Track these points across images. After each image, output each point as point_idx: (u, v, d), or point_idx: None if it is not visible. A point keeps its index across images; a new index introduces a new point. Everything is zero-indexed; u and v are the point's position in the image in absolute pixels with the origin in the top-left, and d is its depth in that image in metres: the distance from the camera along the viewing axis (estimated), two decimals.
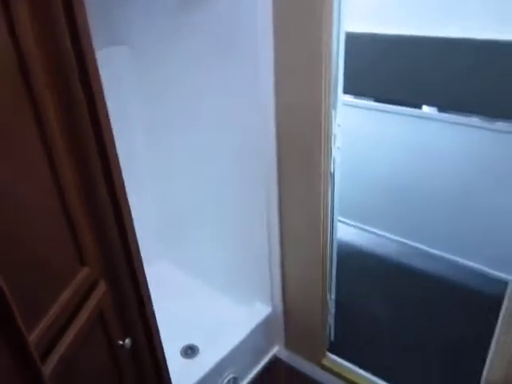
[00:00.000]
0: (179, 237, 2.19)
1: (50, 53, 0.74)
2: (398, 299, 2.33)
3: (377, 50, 2.20)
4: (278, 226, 1.71)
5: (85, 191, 0.88)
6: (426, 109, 2.35)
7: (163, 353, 1.24)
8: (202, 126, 1.75)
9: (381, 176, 2.53)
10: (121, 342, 1.03)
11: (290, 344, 2.03)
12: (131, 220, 1.00)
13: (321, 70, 1.31)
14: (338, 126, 1.46)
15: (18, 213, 0.70)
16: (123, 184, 0.94)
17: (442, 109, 2.28)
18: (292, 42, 1.33)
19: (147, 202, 2.11)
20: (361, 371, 1.89)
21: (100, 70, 0.83)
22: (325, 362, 1.94)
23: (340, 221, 1.99)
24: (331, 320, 1.94)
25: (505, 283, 2.12)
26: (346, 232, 2.70)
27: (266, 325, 1.93)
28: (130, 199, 0.98)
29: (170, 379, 1.31)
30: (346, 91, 1.50)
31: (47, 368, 0.74)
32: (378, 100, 2.49)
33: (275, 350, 2.07)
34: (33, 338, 0.70)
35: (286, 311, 1.94)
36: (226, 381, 1.78)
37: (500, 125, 2.04)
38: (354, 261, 2.57)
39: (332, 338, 1.99)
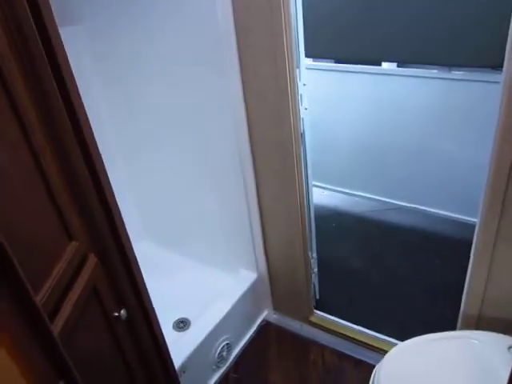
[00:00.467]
0: (158, 215, 2.20)
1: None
2: (376, 253, 2.42)
3: (332, 8, 2.20)
4: (255, 192, 1.74)
5: (63, 167, 0.87)
6: (385, 65, 2.40)
7: (158, 323, 1.27)
8: (170, 96, 1.74)
9: (347, 136, 2.58)
10: (116, 314, 1.04)
11: (278, 306, 2.09)
12: (112, 193, 1.00)
13: (281, 29, 1.32)
14: (304, 85, 1.49)
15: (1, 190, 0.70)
16: (100, 156, 0.95)
17: (400, 64, 2.34)
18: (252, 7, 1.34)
19: (122, 182, 2.09)
20: (348, 323, 1.97)
21: None
22: (313, 319, 2.01)
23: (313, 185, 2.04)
24: (315, 279, 2.00)
25: (474, 226, 2.23)
26: (319, 195, 2.77)
27: (253, 291, 1.98)
28: None
29: (167, 349, 1.34)
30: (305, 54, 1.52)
31: None
32: (338, 61, 2.53)
33: (264, 313, 2.12)
34: None
35: (271, 275, 1.99)
36: (220, 348, 1.83)
37: (457, 74, 2.11)
38: (330, 222, 2.64)
39: (317, 295, 2.06)
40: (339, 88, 2.49)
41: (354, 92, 2.46)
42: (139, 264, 1.15)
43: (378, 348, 1.84)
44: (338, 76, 2.48)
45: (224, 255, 2.04)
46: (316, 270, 1.98)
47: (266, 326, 2.12)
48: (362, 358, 1.89)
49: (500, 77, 1.14)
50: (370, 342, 1.88)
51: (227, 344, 1.87)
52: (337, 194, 2.76)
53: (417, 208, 2.51)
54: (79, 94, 0.86)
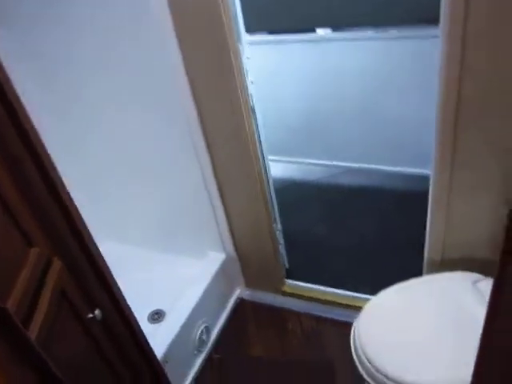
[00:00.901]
0: (116, 212, 2.13)
1: None
2: (337, 216, 2.48)
3: None
4: (212, 173, 1.72)
5: (14, 176, 0.83)
6: (320, 32, 2.40)
7: (135, 318, 1.25)
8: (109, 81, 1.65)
9: (292, 107, 2.60)
10: (91, 315, 1.02)
11: (250, 282, 2.11)
12: (68, 193, 0.96)
13: (219, 7, 1.30)
14: (248, 58, 1.47)
15: None
16: (49, 157, 0.90)
17: (335, 28, 2.35)
18: None
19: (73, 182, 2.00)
20: (320, 287, 2.02)
21: None
22: (285, 288, 2.05)
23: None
24: (282, 249, 2.03)
25: (426, 178, 2.33)
26: (274, 168, 2.78)
27: (223, 271, 1.98)
28: None
29: (148, 342, 1.32)
30: None
31: None
32: (271, 32, 2.50)
33: (238, 291, 2.14)
34: None
35: (240, 252, 2.00)
36: (199, 332, 1.83)
37: (393, 32, 2.16)
38: (288, 193, 2.67)
39: (287, 265, 2.10)
40: (277, 60, 2.47)
41: (292, 62, 2.45)
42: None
43: (351, 306, 1.90)
44: (275, 48, 2.46)
45: (189, 241, 2.02)
46: (282, 241, 2.01)
47: (240, 304, 2.14)
48: (338, 318, 1.95)
49: (437, 31, 1.17)
50: (344, 302, 1.94)
51: (205, 327, 1.87)
52: (289, 165, 2.79)
53: (370, 168, 2.59)
54: (19, 97, 0.81)
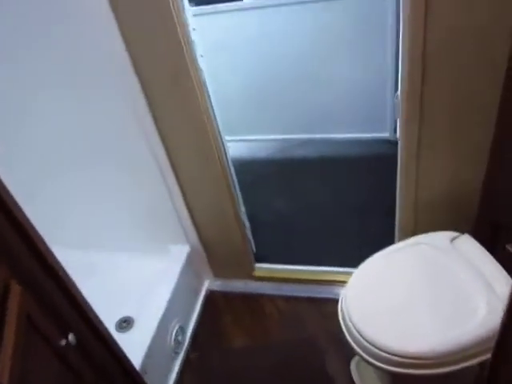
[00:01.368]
0: (69, 216, 1.89)
1: None
2: (298, 191, 2.41)
3: None
4: (166, 158, 1.57)
5: None
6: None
7: (111, 335, 1.10)
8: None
9: (235, 83, 2.48)
10: (64, 341, 0.86)
11: (218, 272, 2.00)
12: (19, 207, 0.80)
13: None
14: (194, 29, 1.33)
15: None
16: None
17: None
18: None
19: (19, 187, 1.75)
20: (290, 266, 1.96)
21: None
22: (256, 273, 1.97)
23: None
24: (249, 233, 1.93)
25: (383, 141, 2.32)
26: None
27: (189, 265, 1.85)
28: None
29: (129, 360, 1.18)
30: None
31: None
32: (198, 4, 2.35)
33: (207, 284, 2.02)
34: None
35: (204, 242, 1.88)
36: (174, 333, 1.70)
37: None
38: (245, 172, 2.56)
39: (254, 249, 2.00)
40: (207, 32, 2.33)
41: (226, 35, 2.33)
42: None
43: (325, 281, 1.86)
44: (203, 20, 2.31)
45: (150, 237, 1.85)
46: (248, 224, 1.91)
47: (211, 296, 2.02)
48: (314, 295, 1.89)
49: None
50: (316, 277, 1.89)
51: (180, 327, 1.74)
52: (240, 143, 2.67)
53: (323, 137, 2.54)
54: None
